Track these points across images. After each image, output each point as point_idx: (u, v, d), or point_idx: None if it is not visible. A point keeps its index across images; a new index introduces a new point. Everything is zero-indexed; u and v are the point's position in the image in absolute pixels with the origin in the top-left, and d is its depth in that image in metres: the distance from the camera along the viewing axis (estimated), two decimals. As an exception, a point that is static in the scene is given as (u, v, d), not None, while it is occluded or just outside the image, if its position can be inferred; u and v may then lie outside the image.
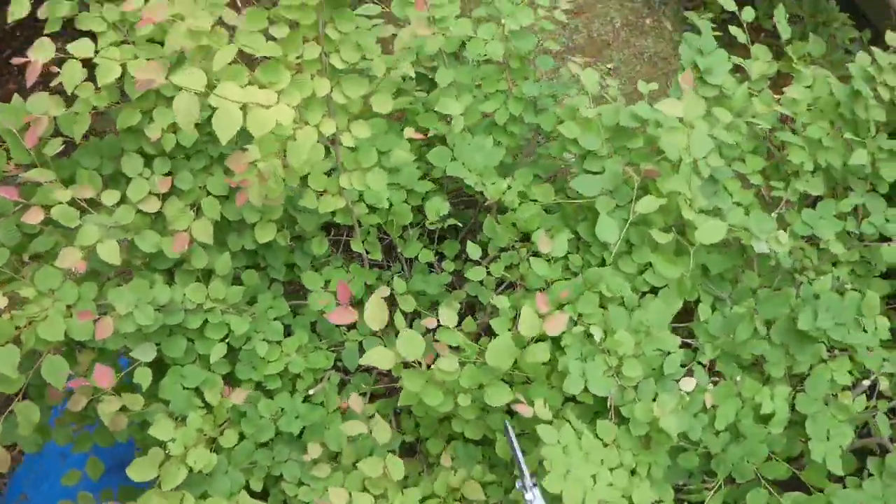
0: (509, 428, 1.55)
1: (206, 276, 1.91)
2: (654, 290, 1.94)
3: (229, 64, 1.50)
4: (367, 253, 2.10)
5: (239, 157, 1.62)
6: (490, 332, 2.08)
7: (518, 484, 1.31)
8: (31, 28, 4.09)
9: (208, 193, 1.86)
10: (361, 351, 2.08)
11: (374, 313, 1.64)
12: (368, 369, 2.16)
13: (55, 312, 1.72)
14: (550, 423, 1.77)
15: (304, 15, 1.60)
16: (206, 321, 1.85)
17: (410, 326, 2.20)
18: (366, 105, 1.82)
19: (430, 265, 2.17)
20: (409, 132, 1.95)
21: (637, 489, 1.80)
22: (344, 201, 1.89)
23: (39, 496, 2.48)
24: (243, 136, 1.55)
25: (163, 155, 1.87)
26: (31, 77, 1.66)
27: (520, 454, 1.43)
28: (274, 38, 1.60)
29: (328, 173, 1.91)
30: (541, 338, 1.72)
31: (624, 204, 1.93)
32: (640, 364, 1.80)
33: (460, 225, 2.16)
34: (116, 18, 1.83)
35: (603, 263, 1.96)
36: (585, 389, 1.75)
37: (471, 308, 2.37)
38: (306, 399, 1.94)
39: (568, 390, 1.75)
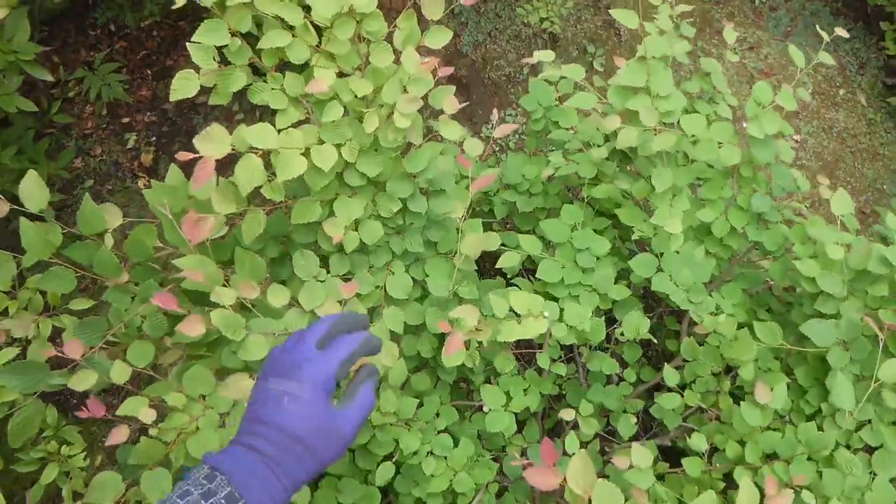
0: None
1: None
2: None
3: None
4: (551, 363, 1.83)
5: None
6: (667, 454, 1.87)
7: None
8: (168, 27, 3.67)
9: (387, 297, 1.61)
10: (524, 456, 1.88)
11: (580, 478, 1.34)
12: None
13: (207, 424, 1.51)
14: None
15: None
16: (373, 436, 1.64)
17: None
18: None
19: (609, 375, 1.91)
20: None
21: None
22: (546, 324, 1.55)
23: None
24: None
25: (340, 251, 1.62)
26: (202, 179, 1.33)
27: None
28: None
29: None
30: None
31: (858, 358, 1.65)
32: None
33: (654, 340, 1.89)
34: (300, 92, 1.54)
35: (817, 412, 1.71)
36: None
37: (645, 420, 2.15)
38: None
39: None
